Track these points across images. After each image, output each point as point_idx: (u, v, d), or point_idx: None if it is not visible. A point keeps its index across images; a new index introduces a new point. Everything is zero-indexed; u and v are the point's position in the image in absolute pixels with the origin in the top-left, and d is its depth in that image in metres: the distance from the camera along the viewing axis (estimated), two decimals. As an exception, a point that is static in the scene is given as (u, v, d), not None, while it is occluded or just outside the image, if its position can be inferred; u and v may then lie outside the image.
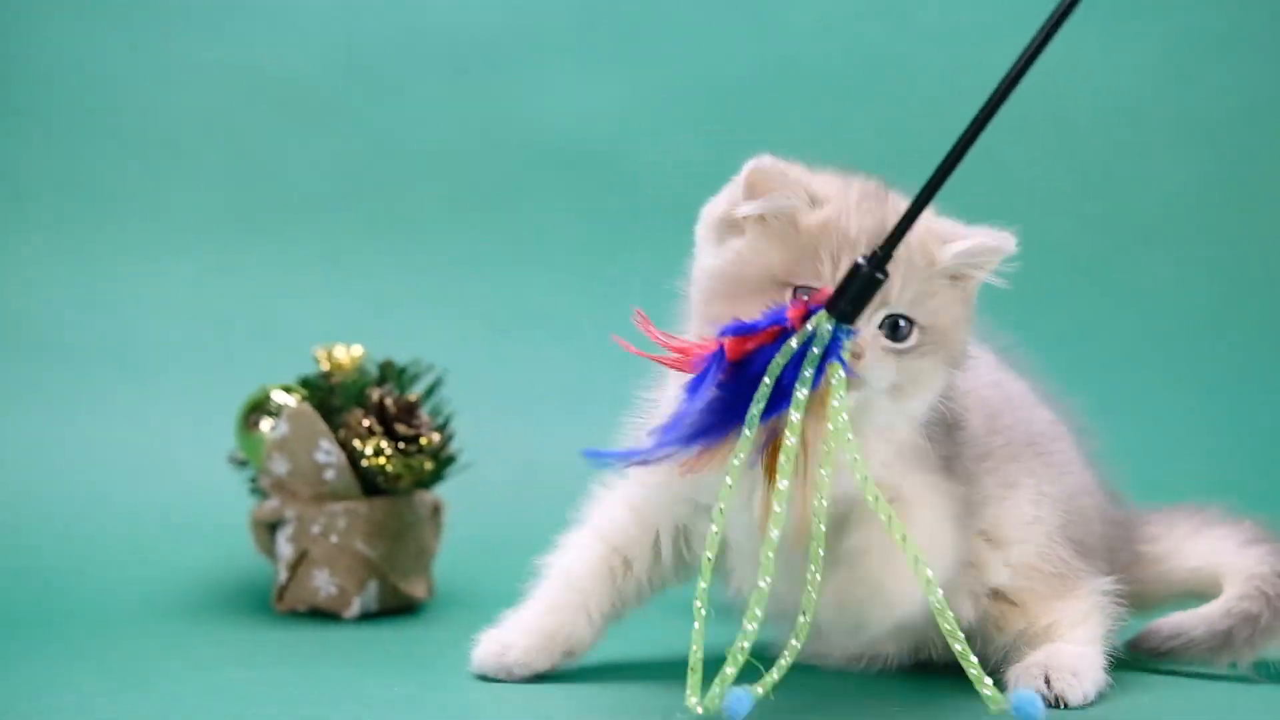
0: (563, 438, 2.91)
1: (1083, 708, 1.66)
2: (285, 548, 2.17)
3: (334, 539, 2.15)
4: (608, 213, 3.12)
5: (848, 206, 1.57)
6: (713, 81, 3.16)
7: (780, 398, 1.46)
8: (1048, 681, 1.66)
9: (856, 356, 1.51)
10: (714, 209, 1.65)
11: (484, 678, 1.74)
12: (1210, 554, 1.92)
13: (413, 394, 2.24)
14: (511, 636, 1.75)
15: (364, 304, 3.01)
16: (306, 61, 3.10)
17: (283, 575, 2.18)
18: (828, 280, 1.53)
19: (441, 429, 2.25)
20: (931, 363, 1.59)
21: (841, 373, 1.46)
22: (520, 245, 3.10)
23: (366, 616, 2.15)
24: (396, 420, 2.18)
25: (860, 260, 1.47)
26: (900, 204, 1.54)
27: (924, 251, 1.58)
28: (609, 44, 3.18)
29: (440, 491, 2.28)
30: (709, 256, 1.62)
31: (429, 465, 2.20)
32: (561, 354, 3.02)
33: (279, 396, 2.19)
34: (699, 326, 1.61)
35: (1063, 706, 1.65)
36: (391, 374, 2.26)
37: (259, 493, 2.24)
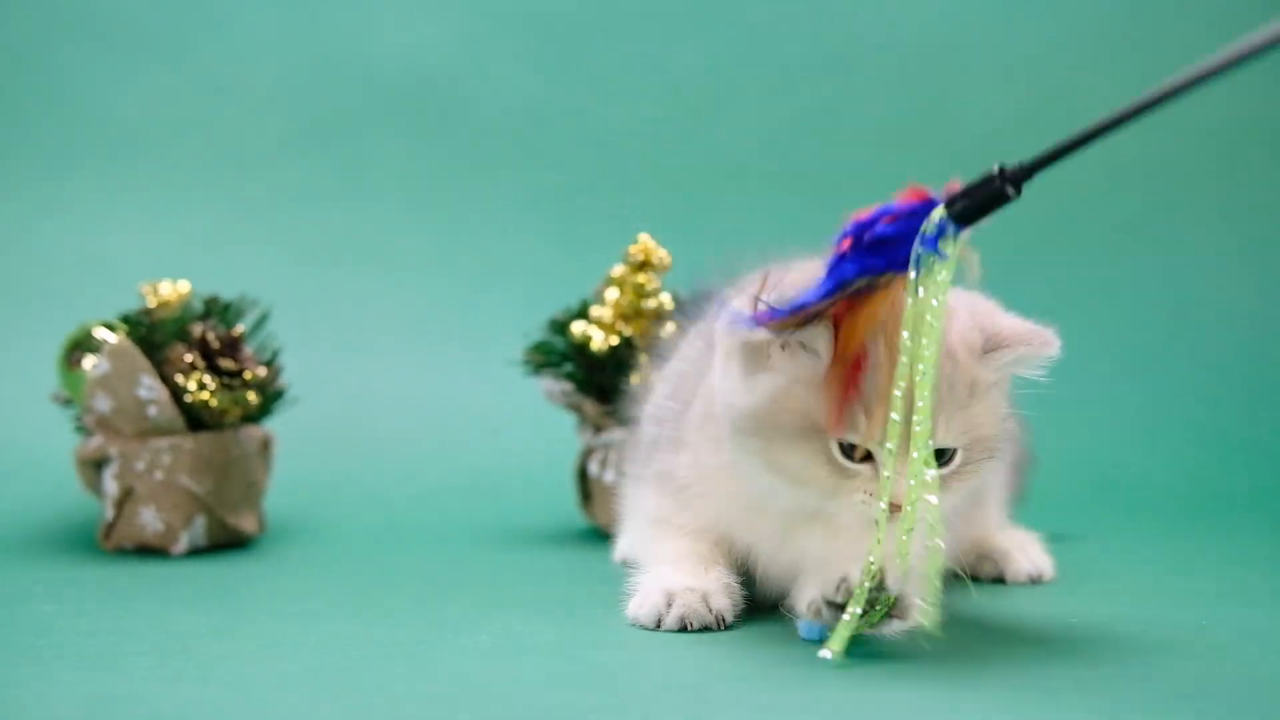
0: (393, 372, 2.93)
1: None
2: (111, 485, 2.16)
3: (159, 475, 2.14)
4: (441, 146, 3.11)
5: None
6: (545, 13, 3.16)
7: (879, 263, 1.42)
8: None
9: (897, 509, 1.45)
10: (735, 335, 1.51)
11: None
12: None
13: (237, 328, 2.23)
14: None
15: (194, 240, 2.98)
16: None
17: (109, 513, 2.16)
18: (865, 435, 1.46)
19: (268, 363, 2.25)
20: (980, 469, 1.54)
21: (940, 262, 1.41)
22: (352, 179, 3.09)
23: (195, 552, 2.15)
24: (220, 355, 2.17)
25: (998, 168, 1.41)
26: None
27: (966, 377, 1.50)
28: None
29: (270, 426, 2.28)
30: (738, 390, 1.52)
31: (255, 399, 2.20)
32: (393, 288, 3.02)
33: (100, 334, 2.17)
34: (713, 451, 1.59)
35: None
36: (216, 309, 2.24)
37: (83, 431, 2.22)
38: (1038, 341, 1.54)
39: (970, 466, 1.52)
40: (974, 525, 1.93)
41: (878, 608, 1.48)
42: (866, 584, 1.46)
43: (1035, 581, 1.95)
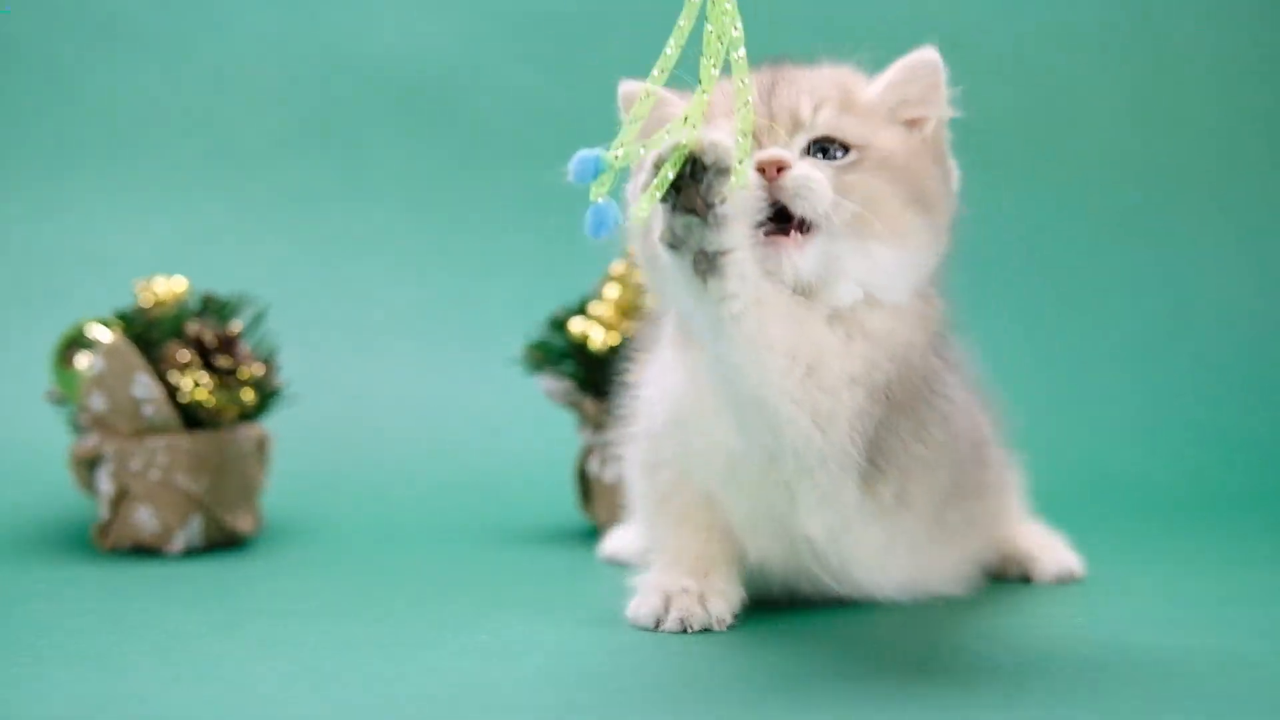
0: (393, 370, 2.93)
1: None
2: (106, 485, 2.15)
3: (155, 474, 2.13)
4: (441, 145, 3.11)
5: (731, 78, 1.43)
6: (545, 13, 3.15)
7: None
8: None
9: (781, 169, 1.45)
10: (630, 191, 1.58)
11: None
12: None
13: (233, 326, 2.22)
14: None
15: (194, 238, 2.97)
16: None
17: (105, 512, 2.16)
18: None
19: (265, 361, 2.24)
20: (884, 184, 1.51)
21: None
22: (352, 177, 3.08)
23: (192, 552, 2.14)
24: (216, 353, 2.17)
25: None
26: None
27: (836, 84, 1.55)
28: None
29: (268, 424, 2.27)
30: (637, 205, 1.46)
31: (251, 397, 2.19)
32: (393, 287, 3.01)
33: (95, 332, 2.17)
34: (672, 345, 1.59)
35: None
36: (213, 307, 2.24)
37: (78, 430, 2.21)
38: (908, 57, 1.60)
39: (863, 167, 1.50)
40: (996, 525, 1.92)
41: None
42: (686, 149, 1.34)
43: (1064, 580, 1.93)
